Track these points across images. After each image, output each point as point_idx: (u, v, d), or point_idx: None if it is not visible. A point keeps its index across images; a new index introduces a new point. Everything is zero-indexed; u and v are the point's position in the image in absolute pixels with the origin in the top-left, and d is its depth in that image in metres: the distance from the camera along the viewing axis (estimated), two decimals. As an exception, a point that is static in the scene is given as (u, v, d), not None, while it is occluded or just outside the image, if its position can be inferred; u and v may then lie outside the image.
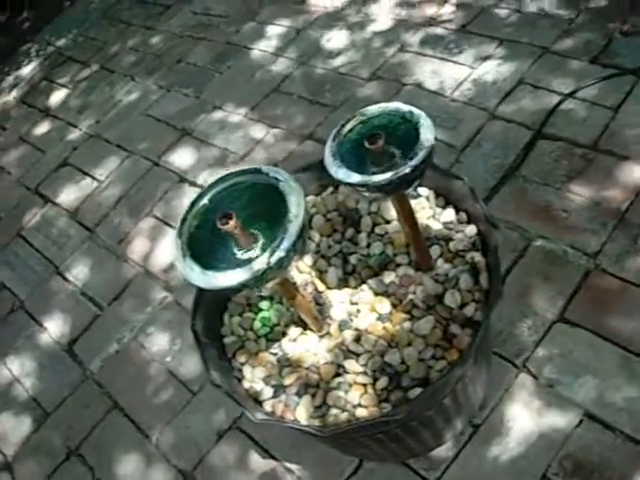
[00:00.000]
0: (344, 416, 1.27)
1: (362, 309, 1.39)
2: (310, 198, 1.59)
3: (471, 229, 1.40)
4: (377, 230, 1.49)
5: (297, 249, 1.08)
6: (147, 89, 3.07)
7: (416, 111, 1.14)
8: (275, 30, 3.01)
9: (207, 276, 1.08)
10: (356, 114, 1.19)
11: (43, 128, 3.18)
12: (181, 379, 1.99)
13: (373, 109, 1.18)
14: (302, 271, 1.50)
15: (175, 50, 3.20)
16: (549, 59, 2.28)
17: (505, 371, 1.66)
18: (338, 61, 2.67)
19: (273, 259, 1.05)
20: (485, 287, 1.32)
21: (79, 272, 2.43)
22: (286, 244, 1.06)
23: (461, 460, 1.57)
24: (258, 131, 2.56)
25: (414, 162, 1.06)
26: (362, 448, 1.43)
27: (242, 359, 1.41)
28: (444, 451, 1.59)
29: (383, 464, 1.61)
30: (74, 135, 3.03)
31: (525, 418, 1.57)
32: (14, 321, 2.40)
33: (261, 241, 1.14)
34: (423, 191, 1.50)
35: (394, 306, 1.38)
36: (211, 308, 1.47)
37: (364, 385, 1.30)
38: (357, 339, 1.35)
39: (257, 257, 1.07)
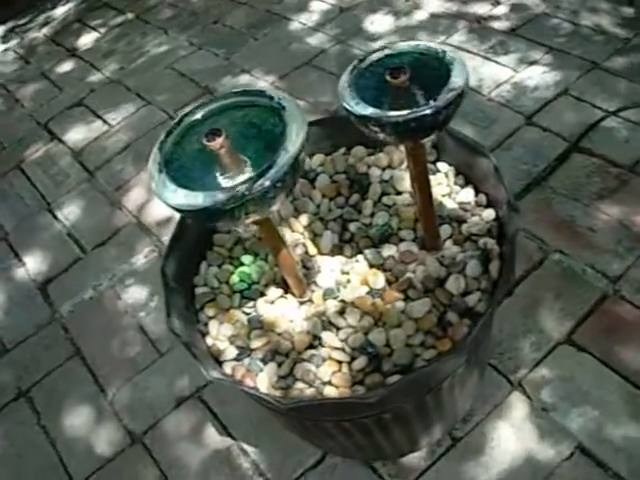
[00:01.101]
0: (310, 392, 1.09)
1: (353, 280, 1.21)
2: (319, 156, 1.42)
3: (489, 213, 1.22)
4: (385, 200, 1.31)
5: (286, 183, 0.91)
6: (178, 44, 2.92)
7: (451, 53, 0.97)
8: (319, 6, 2.85)
9: (178, 194, 0.91)
10: (383, 46, 1.01)
11: (66, 67, 3.04)
12: (151, 337, 1.82)
13: (403, 45, 1.01)
14: (295, 230, 1.32)
15: (213, 10, 3.06)
16: (598, 75, 2.11)
17: (498, 386, 1.47)
18: (377, 44, 2.50)
19: (256, 186, 0.87)
20: (494, 277, 1.13)
21: (70, 212, 2.28)
22: (273, 173, 0.88)
23: (433, 473, 1.39)
24: (282, 100, 2.38)
25: (438, 103, 0.88)
26: (326, 437, 1.25)
27: (210, 312, 1.23)
28: (416, 460, 1.41)
29: (347, 462, 1.43)
30: (95, 77, 2.88)
31: (511, 440, 1.39)
32: (-6, 251, 2.24)
33: (250, 169, 0.96)
34: (442, 166, 1.32)
35: (389, 283, 1.19)
36: (189, 253, 1.30)
37: (339, 362, 1.12)
38: (341, 311, 1.17)
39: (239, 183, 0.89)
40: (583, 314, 1.55)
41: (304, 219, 1.33)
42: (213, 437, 1.57)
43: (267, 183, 0.88)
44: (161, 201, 0.93)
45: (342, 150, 1.41)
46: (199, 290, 1.27)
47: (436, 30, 2.49)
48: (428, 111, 0.89)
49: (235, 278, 1.27)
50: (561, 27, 2.32)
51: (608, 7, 2.34)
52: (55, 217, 2.29)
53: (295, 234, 1.32)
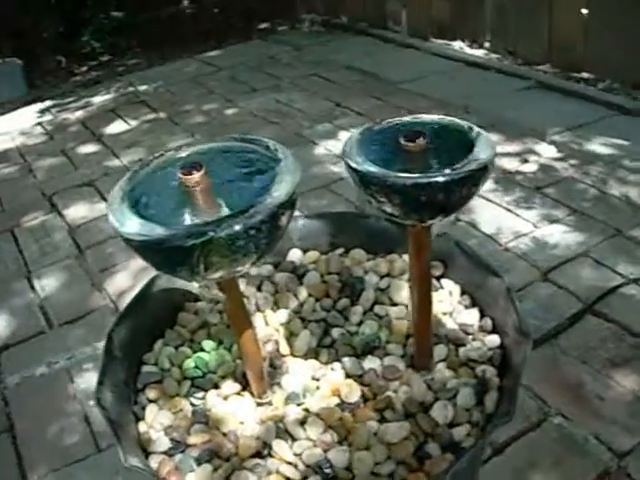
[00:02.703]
0: (243, 507, 0.86)
1: (323, 388, 1.01)
2: (313, 253, 1.25)
3: (493, 339, 1.03)
4: (377, 309, 1.13)
5: (259, 235, 0.73)
6: (201, 147, 2.84)
7: (477, 128, 0.82)
8: (347, 135, 2.77)
9: (133, 222, 0.74)
10: (404, 117, 0.86)
11: (87, 149, 2.98)
12: (93, 428, 1.59)
13: (425, 116, 0.86)
14: (270, 324, 1.13)
15: (244, 125, 3.01)
16: (621, 242, 1.97)
17: None
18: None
19: (224, 226, 0.70)
20: (489, 411, 0.93)
21: (48, 284, 2.11)
22: (247, 216, 0.71)
23: None
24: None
25: (454, 171, 0.72)
26: None
27: (152, 395, 1.03)
28: None
29: None
30: (112, 163, 2.80)
31: None
32: (-43, 306, 2.05)
33: (223, 214, 0.79)
34: (447, 284, 1.14)
35: (365, 398, 0.99)
36: (146, 326, 1.11)
37: (287, 479, 0.89)
38: (302, 421, 0.96)
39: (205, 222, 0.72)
40: (582, 487, 1.31)
41: (283, 315, 1.15)
42: None
43: (237, 227, 0.70)
44: (113, 228, 0.76)
45: (340, 250, 1.24)
46: (146, 368, 1.07)
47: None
48: (441, 178, 0.72)
49: (190, 363, 1.07)
50: (588, 192, 2.21)
51: (637, 179, 2.24)
52: (32, 286, 2.12)
53: (269, 328, 1.13)
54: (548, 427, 1.45)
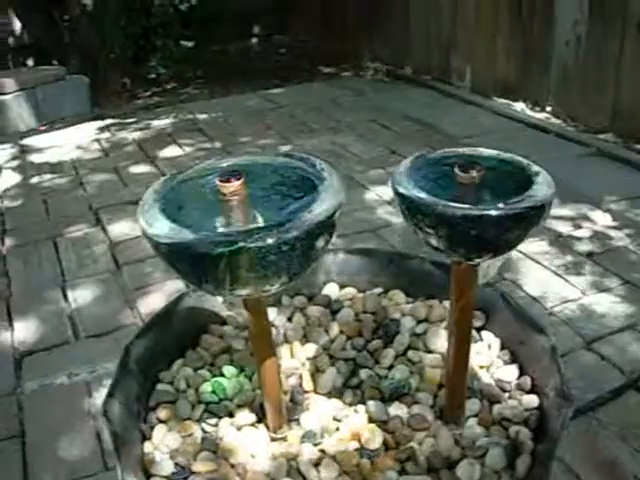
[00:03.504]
0: None
1: (343, 430, 0.94)
2: (350, 290, 1.19)
3: (530, 400, 0.95)
4: (410, 354, 1.06)
5: (292, 252, 0.68)
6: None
7: (537, 166, 0.76)
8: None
9: (162, 225, 0.70)
10: (461, 149, 0.81)
11: (139, 169, 2.98)
12: (104, 447, 1.52)
13: (483, 149, 0.80)
14: (295, 356, 1.07)
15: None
16: (674, 320, 1.85)
17: None
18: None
19: (256, 237, 0.65)
20: (520, 475, 0.84)
21: (80, 296, 2.08)
22: (282, 230, 0.66)
23: None
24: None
25: (508, 206, 0.66)
26: None
27: (163, 415, 0.97)
28: None
29: None
30: (162, 185, 2.77)
31: None
32: (-10, 308, 2.04)
33: (257, 225, 0.74)
34: (487, 336, 1.07)
35: (386, 447, 0.92)
36: (166, 343, 1.06)
37: (293, 523, 0.82)
38: (317, 462, 0.89)
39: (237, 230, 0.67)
40: None
41: (311, 349, 1.09)
42: None
43: (270, 240, 0.65)
44: (141, 229, 0.71)
45: (378, 290, 1.18)
46: (161, 387, 1.02)
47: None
48: (494, 212, 0.66)
49: (207, 387, 1.02)
50: (641, 265, 2.11)
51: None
52: (65, 296, 2.09)
53: (295, 362, 1.07)
54: (581, 505, 1.35)
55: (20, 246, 2.42)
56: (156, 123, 3.63)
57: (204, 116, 3.70)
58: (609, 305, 1.93)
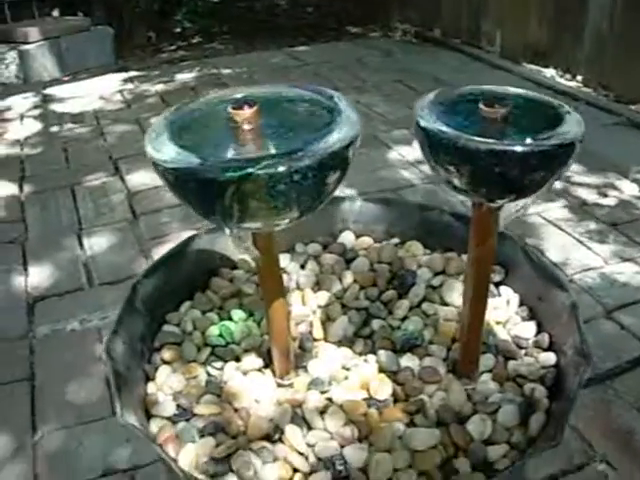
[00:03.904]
0: (240, 491, 0.76)
1: (352, 379, 0.90)
2: (366, 239, 1.15)
3: (547, 357, 0.91)
4: (425, 307, 1.02)
5: (305, 183, 0.64)
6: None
7: (567, 106, 0.71)
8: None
9: (169, 149, 0.66)
10: (488, 87, 0.76)
11: (160, 120, 2.91)
12: (112, 393, 1.50)
13: (512, 89, 0.75)
14: (306, 303, 1.03)
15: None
16: (699, 293, 1.79)
17: None
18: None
19: (266, 163, 0.61)
20: (533, 433, 0.81)
21: (96, 244, 2.07)
22: (294, 159, 0.62)
23: None
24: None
25: (535, 142, 0.61)
26: None
27: (167, 356, 0.94)
28: None
29: None
30: (182, 136, 2.74)
31: None
32: (6, 250, 2.06)
33: (268, 153, 0.70)
34: (505, 291, 1.02)
35: (395, 398, 0.88)
36: (175, 284, 1.03)
37: (294, 469, 0.80)
38: (322, 410, 0.86)
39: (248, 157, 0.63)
40: None
41: (323, 297, 1.05)
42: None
43: (281, 168, 0.61)
44: (148, 152, 0.68)
45: (395, 240, 1.14)
46: (167, 328, 0.99)
47: (534, 202, 2.25)
48: (520, 148, 0.61)
49: (214, 330, 0.99)
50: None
51: None
52: (81, 243, 2.08)
53: (306, 309, 1.03)
54: (590, 473, 1.31)
55: (38, 193, 2.40)
56: (180, 76, 3.58)
57: (228, 71, 3.65)
58: (631, 275, 1.88)
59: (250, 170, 0.61)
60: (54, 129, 2.96)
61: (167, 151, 0.67)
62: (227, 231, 0.72)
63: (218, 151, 0.70)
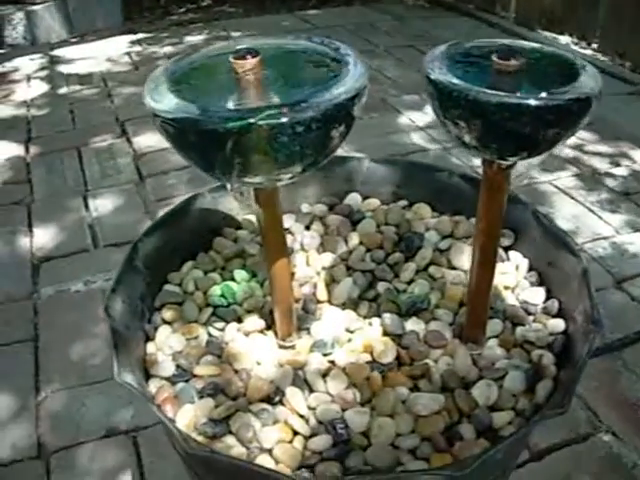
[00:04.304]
0: (239, 452, 0.74)
1: (355, 342, 0.88)
2: (373, 201, 1.12)
3: (556, 324, 0.88)
4: (432, 270, 1.00)
5: (309, 136, 0.61)
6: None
7: (584, 61, 0.67)
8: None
9: (169, 99, 0.64)
10: (502, 40, 0.72)
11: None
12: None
13: (526, 43, 0.72)
14: (311, 264, 1.01)
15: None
16: None
17: None
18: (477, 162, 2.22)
19: (268, 114, 0.58)
20: (539, 400, 0.78)
21: (102, 206, 2.04)
22: (298, 110, 0.59)
23: None
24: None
25: (550, 96, 0.58)
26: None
27: (168, 316, 0.92)
28: None
29: None
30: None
31: None
32: (11, 211, 2.04)
33: (270, 103, 0.67)
34: (515, 256, 1.00)
35: (399, 362, 0.86)
36: (177, 243, 1.00)
37: (294, 432, 0.78)
38: (324, 373, 0.84)
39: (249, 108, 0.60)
40: (619, 516, 1.16)
41: (328, 259, 1.03)
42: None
43: (284, 119, 0.58)
44: (146, 103, 0.65)
45: (403, 202, 1.11)
46: (168, 287, 0.97)
47: (544, 169, 2.21)
48: (533, 102, 0.58)
49: (217, 290, 0.96)
50: (681, 208, 2.01)
51: None
52: (86, 205, 2.06)
53: (310, 270, 1.01)
54: (595, 443, 1.29)
55: (44, 154, 2.38)
56: (189, 39, 3.53)
57: (238, 34, 3.59)
58: (643, 246, 1.85)
59: (251, 120, 0.58)
60: (61, 90, 2.93)
61: (166, 102, 0.64)
62: (228, 186, 0.69)
63: (219, 102, 0.67)
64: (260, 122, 0.58)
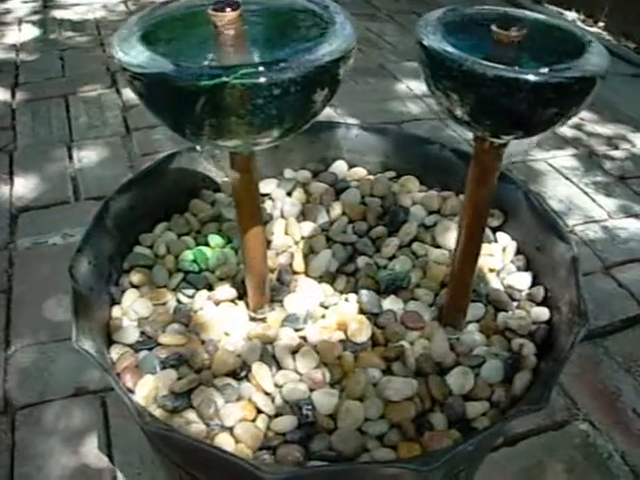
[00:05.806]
0: (197, 429, 0.70)
1: (329, 318, 0.84)
2: (359, 170, 1.07)
3: (541, 312, 0.84)
4: (415, 247, 0.95)
5: (284, 108, 0.56)
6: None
7: (590, 36, 0.62)
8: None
9: (141, 54, 0.59)
10: (504, 9, 0.67)
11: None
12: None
13: (530, 13, 0.66)
14: (289, 233, 0.96)
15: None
16: None
17: None
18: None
19: (244, 72, 0.52)
20: (517, 392, 0.75)
21: (86, 157, 1.98)
22: (276, 69, 0.53)
23: None
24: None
25: (558, 73, 0.53)
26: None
27: (136, 279, 0.88)
28: None
29: None
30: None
31: None
32: (-8, 159, 1.95)
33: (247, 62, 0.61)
34: (502, 238, 0.95)
35: (374, 342, 0.82)
36: (151, 204, 0.95)
37: (257, 410, 0.74)
38: (295, 349, 0.80)
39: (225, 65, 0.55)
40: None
41: (307, 228, 0.98)
42: (90, 449, 1.18)
43: (261, 79, 0.53)
44: (114, 54, 0.60)
45: (390, 174, 1.06)
46: (139, 249, 0.92)
47: (541, 147, 2.16)
48: (532, 77, 0.53)
49: (189, 255, 0.92)
50: (677, 201, 1.96)
51: None
52: (70, 156, 1.99)
53: (288, 239, 0.96)
54: (572, 431, 1.26)
55: (31, 101, 2.30)
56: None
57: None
58: (635, 231, 1.80)
59: (225, 79, 0.53)
60: (52, 36, 2.84)
61: (137, 55, 0.59)
62: (198, 148, 0.64)
63: (193, 58, 0.62)
64: (234, 81, 0.53)
